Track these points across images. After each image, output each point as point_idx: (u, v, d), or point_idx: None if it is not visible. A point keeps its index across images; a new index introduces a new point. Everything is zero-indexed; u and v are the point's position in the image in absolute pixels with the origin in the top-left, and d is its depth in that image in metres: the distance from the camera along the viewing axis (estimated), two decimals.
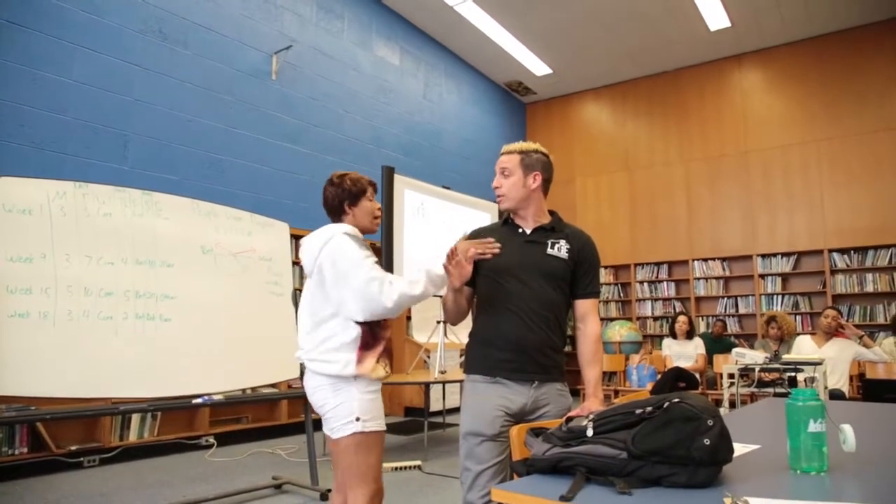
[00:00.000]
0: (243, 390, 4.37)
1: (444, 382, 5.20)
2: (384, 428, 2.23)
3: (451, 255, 2.05)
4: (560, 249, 2.13)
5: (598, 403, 2.03)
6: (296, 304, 4.31)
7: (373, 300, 2.13)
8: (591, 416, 1.61)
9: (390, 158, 8.00)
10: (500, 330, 2.07)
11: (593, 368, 2.08)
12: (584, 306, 2.14)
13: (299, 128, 6.92)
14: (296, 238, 6.59)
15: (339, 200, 2.35)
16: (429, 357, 6.32)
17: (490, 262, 2.11)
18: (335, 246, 2.19)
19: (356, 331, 2.18)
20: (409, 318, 7.48)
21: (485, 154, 10.11)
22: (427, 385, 5.16)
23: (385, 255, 5.36)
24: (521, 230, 2.17)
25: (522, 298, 2.07)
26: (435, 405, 7.16)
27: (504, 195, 2.16)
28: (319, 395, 2.19)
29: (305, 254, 2.28)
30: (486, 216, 6.74)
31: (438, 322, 5.71)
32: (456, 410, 7.49)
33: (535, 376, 2.06)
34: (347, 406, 2.15)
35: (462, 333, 7.50)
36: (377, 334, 2.22)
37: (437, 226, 6.16)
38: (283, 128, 6.74)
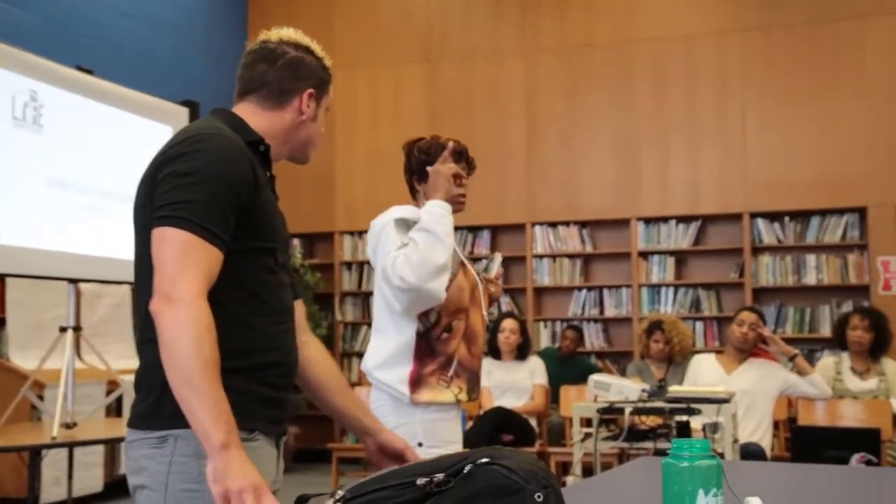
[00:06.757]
0: None
1: (71, 446, 5.07)
2: None
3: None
4: None
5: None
6: None
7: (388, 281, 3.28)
8: (342, 494, 1.76)
9: None
10: (288, 353, 2.30)
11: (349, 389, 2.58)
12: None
13: None
14: None
15: (408, 176, 3.63)
16: (42, 398, 6.24)
17: (272, 227, 2.27)
18: (378, 236, 3.48)
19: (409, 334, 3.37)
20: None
21: (166, 12, 9.81)
22: (35, 453, 4.94)
23: None
24: (270, 175, 2.38)
25: (290, 298, 2.37)
26: (53, 493, 6.86)
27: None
28: (380, 412, 3.21)
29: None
30: (166, 129, 6.62)
31: (63, 329, 5.56)
32: (99, 500, 7.28)
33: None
34: (409, 428, 3.22)
35: (114, 351, 7.17)
36: (434, 347, 3.37)
37: (69, 147, 5.96)
38: None
